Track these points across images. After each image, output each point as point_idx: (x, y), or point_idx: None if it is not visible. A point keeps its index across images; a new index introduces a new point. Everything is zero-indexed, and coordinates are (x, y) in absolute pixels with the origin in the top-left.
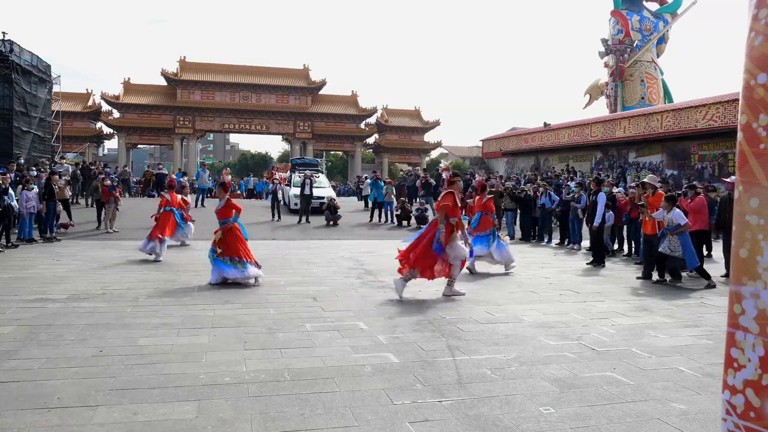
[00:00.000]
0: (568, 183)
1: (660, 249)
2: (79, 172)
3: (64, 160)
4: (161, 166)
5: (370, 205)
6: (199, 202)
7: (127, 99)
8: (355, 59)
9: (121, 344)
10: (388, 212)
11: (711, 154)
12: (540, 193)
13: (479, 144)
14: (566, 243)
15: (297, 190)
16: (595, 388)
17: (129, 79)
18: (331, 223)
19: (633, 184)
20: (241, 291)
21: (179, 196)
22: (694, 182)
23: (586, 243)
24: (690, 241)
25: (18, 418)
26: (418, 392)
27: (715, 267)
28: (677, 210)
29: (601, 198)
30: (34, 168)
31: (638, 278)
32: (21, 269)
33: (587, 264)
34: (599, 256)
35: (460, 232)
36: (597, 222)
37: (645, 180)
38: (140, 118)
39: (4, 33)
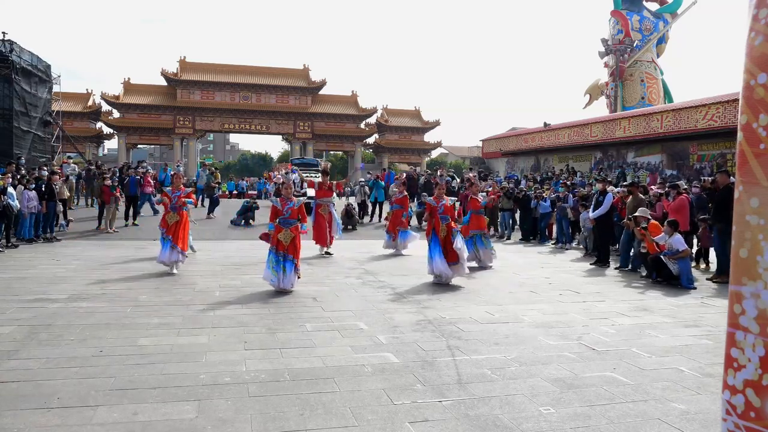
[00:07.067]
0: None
1: (660, 256)
2: (83, 172)
3: (71, 161)
4: (146, 165)
5: (369, 206)
6: (200, 202)
7: (127, 99)
8: (355, 59)
9: (121, 344)
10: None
11: (710, 154)
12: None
13: (479, 144)
14: (556, 242)
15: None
16: (595, 388)
17: (129, 79)
18: (349, 228)
19: (625, 184)
20: (241, 291)
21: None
22: (677, 182)
23: (580, 245)
24: (689, 266)
25: (18, 418)
26: (418, 392)
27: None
28: (678, 236)
29: (608, 197)
30: (35, 168)
31: (642, 277)
32: (21, 269)
33: (591, 264)
34: (604, 255)
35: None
36: (594, 214)
37: (637, 214)
38: (140, 118)
39: (4, 33)
